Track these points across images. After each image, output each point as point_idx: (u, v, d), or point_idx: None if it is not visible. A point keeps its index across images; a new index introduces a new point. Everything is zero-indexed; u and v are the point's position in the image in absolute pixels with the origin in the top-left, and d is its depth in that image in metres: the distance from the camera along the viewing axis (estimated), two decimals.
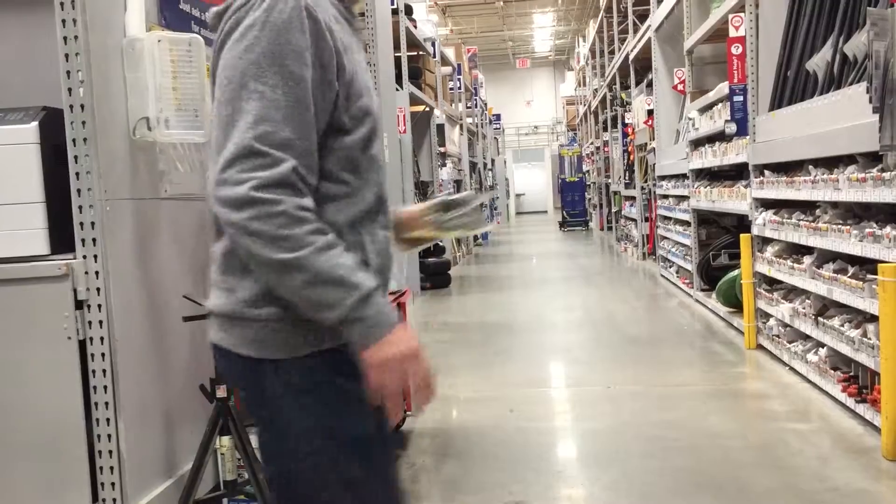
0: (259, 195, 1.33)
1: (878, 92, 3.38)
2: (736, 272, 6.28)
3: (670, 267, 9.57)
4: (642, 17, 11.48)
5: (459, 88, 15.23)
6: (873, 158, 3.85)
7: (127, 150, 2.74)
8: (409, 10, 9.39)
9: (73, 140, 2.55)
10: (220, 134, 1.38)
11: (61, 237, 2.59)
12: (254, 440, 2.88)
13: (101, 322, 2.58)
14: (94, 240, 2.57)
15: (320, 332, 1.43)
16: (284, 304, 1.41)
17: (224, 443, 2.76)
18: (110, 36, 2.68)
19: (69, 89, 2.53)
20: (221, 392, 2.75)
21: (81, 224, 2.57)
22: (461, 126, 15.26)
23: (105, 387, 2.60)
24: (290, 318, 1.42)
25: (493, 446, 3.95)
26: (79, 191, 2.56)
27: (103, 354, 2.59)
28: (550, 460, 3.80)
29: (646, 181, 11.82)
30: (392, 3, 8.31)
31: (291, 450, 1.46)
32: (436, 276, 10.12)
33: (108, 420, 2.60)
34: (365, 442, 1.48)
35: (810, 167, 4.61)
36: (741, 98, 5.96)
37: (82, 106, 2.53)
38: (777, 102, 5.43)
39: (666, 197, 9.75)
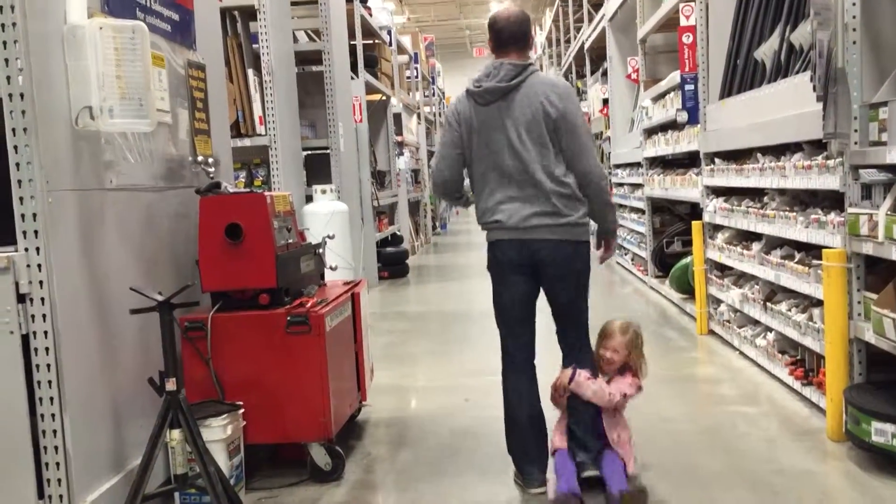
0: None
1: (822, 81, 3.44)
2: (688, 259, 6.37)
3: (626, 254, 9.68)
4: (597, 6, 11.55)
5: (416, 77, 15.19)
6: (818, 146, 3.93)
7: (69, 139, 2.68)
8: None
9: (13, 130, 2.49)
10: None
11: (2, 229, 2.53)
12: (205, 433, 2.86)
13: (44, 316, 2.53)
14: (35, 232, 2.52)
15: (588, 233, 3.24)
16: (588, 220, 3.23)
17: (174, 436, 2.73)
18: (50, 23, 2.61)
19: (7, 77, 2.47)
20: (171, 385, 2.71)
21: (23, 216, 2.52)
22: (419, 115, 15.23)
23: (49, 382, 2.55)
24: (588, 226, 3.22)
25: (449, 435, 3.96)
26: (19, 182, 2.50)
27: (47, 349, 2.54)
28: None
29: None
30: None
31: (585, 268, 3.25)
32: (393, 265, 10.10)
33: (53, 415, 2.55)
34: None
35: (759, 155, 4.69)
36: (692, 87, 6.03)
37: (22, 95, 2.47)
38: (727, 91, 5.51)
39: (621, 185, 9.85)
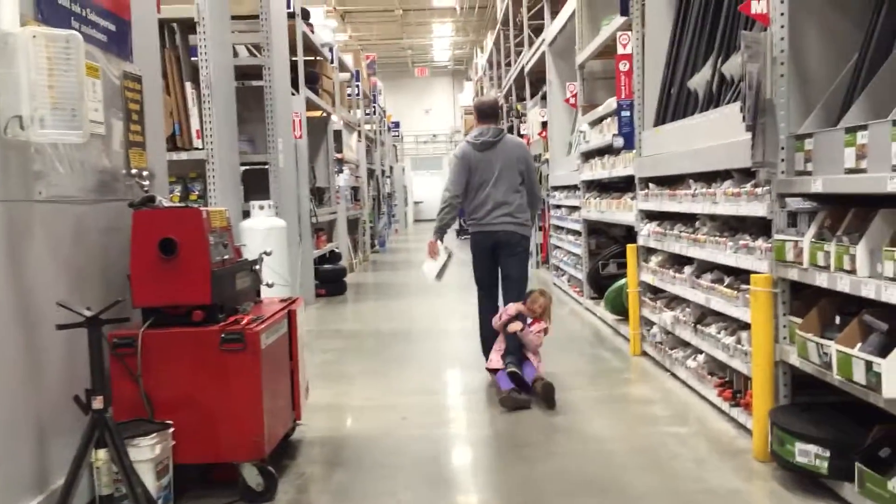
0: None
1: (751, 111, 3.56)
2: (623, 281, 6.48)
3: (562, 276, 9.80)
4: (537, 30, 11.74)
5: (358, 95, 15.17)
6: (748, 174, 4.05)
7: None
8: (305, 15, 9.29)
9: None
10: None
11: None
12: (132, 452, 2.79)
13: None
14: None
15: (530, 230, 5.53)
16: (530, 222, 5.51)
17: (100, 456, 2.65)
18: None
19: None
20: (98, 403, 2.64)
21: None
22: (359, 133, 15.20)
23: None
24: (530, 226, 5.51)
25: (384, 454, 3.94)
26: None
27: None
28: (441, 467, 3.82)
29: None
30: (288, 7, 8.21)
31: (525, 254, 5.41)
32: (331, 283, 10.03)
33: None
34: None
35: (691, 181, 4.81)
36: (628, 113, 6.18)
37: None
38: (661, 118, 5.65)
39: (559, 207, 9.99)
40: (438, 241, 5.47)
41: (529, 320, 5.09)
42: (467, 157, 5.34)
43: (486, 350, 5.34)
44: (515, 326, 4.99)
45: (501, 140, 5.35)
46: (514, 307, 5.10)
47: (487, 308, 5.46)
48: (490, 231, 5.28)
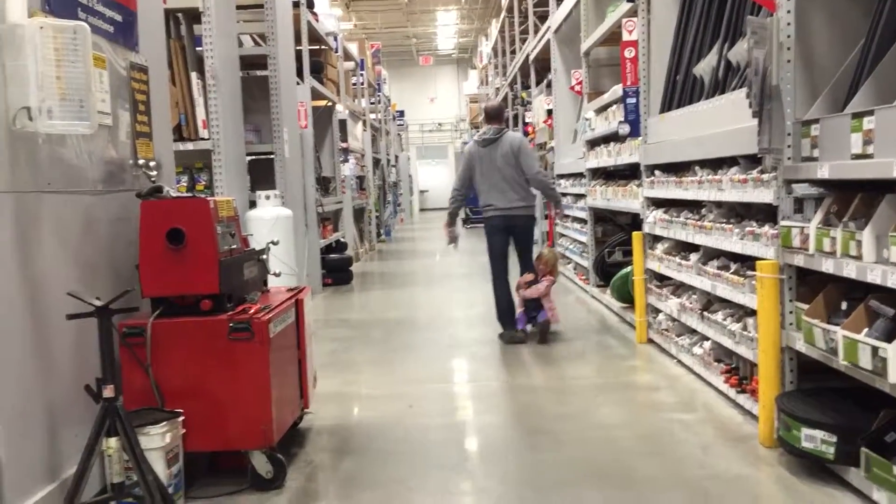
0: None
1: (757, 97, 3.55)
2: (629, 269, 6.49)
3: (568, 263, 9.80)
4: (543, 18, 11.70)
5: (362, 84, 15.16)
6: (754, 160, 4.05)
7: (6, 140, 2.62)
8: (310, 4, 9.28)
9: None
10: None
11: None
12: (143, 441, 2.82)
13: None
14: None
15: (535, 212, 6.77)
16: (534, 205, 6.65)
17: (111, 444, 2.68)
18: None
19: None
20: (109, 392, 2.66)
21: None
22: (364, 122, 15.19)
23: None
24: (534, 208, 6.61)
25: (392, 442, 3.97)
26: None
27: None
28: (448, 455, 3.84)
29: None
30: None
31: (532, 229, 6.61)
32: (337, 272, 10.05)
33: None
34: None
35: (697, 168, 4.81)
36: (634, 100, 6.16)
37: None
38: (667, 105, 5.64)
39: (565, 195, 9.98)
40: (448, 225, 6.68)
41: (541, 278, 6.36)
42: (471, 153, 6.46)
43: (502, 321, 6.37)
44: (533, 293, 6.26)
45: (501, 137, 6.33)
46: (528, 276, 6.36)
47: (500, 276, 6.45)
48: (503, 215, 6.29)
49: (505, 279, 6.37)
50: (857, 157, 2.98)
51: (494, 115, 6.58)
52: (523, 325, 6.23)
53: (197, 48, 6.05)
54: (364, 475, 3.54)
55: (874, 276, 2.87)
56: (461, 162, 6.59)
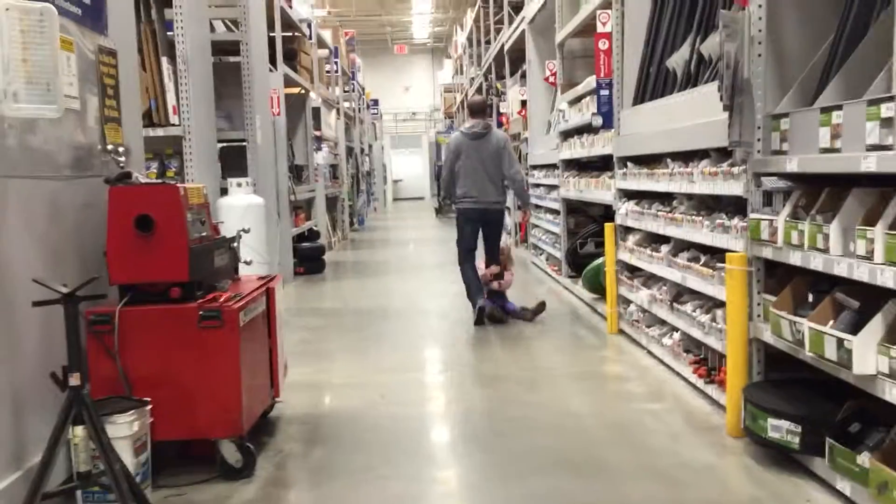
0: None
1: (728, 91, 3.58)
2: (600, 260, 6.53)
3: (541, 254, 9.84)
4: (517, 8, 11.69)
5: (336, 72, 15.06)
6: (724, 154, 4.08)
7: None
8: None
9: None
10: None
11: None
12: (110, 429, 2.79)
13: None
14: None
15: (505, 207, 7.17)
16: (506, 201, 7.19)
17: (77, 433, 2.64)
18: None
19: None
20: (75, 380, 2.63)
21: None
22: (338, 110, 15.11)
23: None
24: (505, 203, 7.06)
25: (364, 431, 3.96)
26: None
27: None
28: (420, 443, 3.85)
29: None
30: None
31: (501, 224, 7.02)
32: (309, 261, 10.00)
33: None
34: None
35: (668, 160, 4.84)
36: (607, 92, 6.19)
37: None
38: (640, 97, 5.67)
39: (537, 186, 10.01)
40: (437, 198, 7.89)
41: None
42: (458, 143, 6.69)
43: (471, 297, 6.68)
44: (496, 286, 6.78)
45: (489, 133, 6.65)
46: (494, 269, 6.80)
47: (467, 263, 6.79)
48: (478, 208, 6.62)
49: (472, 263, 6.72)
50: (825, 150, 3.01)
51: (478, 110, 6.83)
52: (489, 305, 6.54)
53: (168, 33, 5.96)
54: (335, 464, 3.53)
55: (840, 269, 2.91)
56: (448, 151, 6.82)
